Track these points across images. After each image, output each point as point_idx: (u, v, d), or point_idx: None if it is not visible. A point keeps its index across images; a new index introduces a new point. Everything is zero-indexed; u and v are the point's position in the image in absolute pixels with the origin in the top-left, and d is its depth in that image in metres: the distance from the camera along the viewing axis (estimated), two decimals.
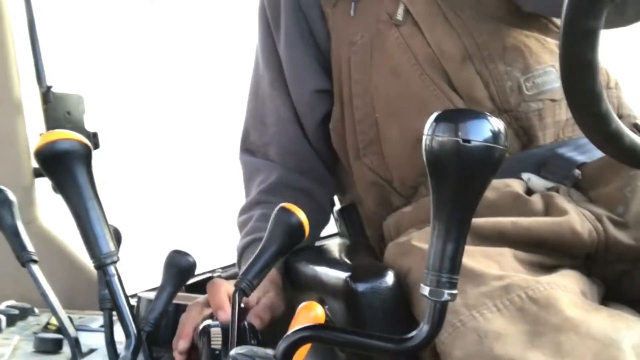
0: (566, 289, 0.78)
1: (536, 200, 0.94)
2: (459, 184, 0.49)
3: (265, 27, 1.23)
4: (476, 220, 0.89)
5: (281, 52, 1.21)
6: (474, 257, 0.83)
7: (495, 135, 0.48)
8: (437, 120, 0.49)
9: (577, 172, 0.97)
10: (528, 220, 0.89)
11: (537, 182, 0.99)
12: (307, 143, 1.22)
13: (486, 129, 0.47)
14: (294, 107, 1.21)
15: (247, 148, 1.27)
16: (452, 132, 0.47)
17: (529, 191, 0.98)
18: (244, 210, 1.22)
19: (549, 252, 0.88)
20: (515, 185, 0.97)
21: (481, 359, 0.72)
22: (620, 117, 1.08)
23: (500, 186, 0.96)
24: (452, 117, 0.48)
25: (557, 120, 1.04)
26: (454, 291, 0.51)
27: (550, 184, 0.98)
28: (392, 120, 1.08)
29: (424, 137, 0.49)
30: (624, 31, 0.88)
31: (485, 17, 1.05)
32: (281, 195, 1.11)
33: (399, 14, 1.07)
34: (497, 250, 0.86)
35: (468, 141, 0.47)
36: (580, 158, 0.99)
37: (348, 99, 1.13)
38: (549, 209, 0.92)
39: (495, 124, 0.48)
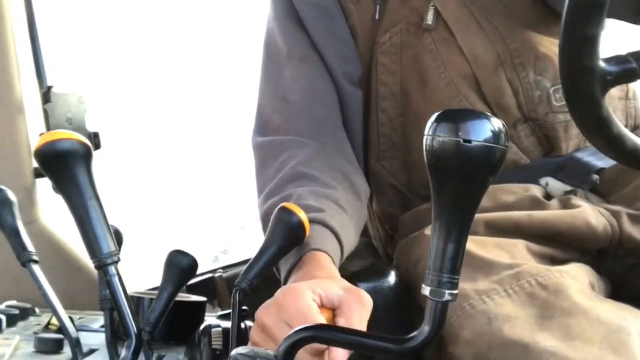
0: (576, 278, 0.79)
1: (554, 204, 0.94)
2: (459, 184, 0.49)
3: (287, 10, 1.11)
4: (492, 214, 0.89)
5: (316, 33, 1.09)
6: (486, 247, 0.84)
7: (496, 135, 0.48)
8: (437, 120, 0.49)
9: (595, 177, 0.98)
10: (543, 213, 0.90)
11: (555, 185, 0.99)
12: (339, 116, 1.07)
13: (487, 129, 0.47)
14: (332, 78, 1.08)
15: (263, 132, 1.07)
16: (452, 132, 0.47)
17: (548, 197, 0.98)
18: (272, 193, 0.94)
19: (563, 245, 0.89)
20: (534, 191, 0.97)
21: (490, 340, 0.72)
22: (635, 127, 1.09)
23: (519, 191, 0.96)
24: (452, 117, 0.48)
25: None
26: (455, 291, 0.51)
27: (568, 187, 0.98)
28: (419, 126, 1.06)
29: (425, 137, 0.49)
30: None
31: (515, 24, 1.02)
32: (321, 172, 0.93)
33: (429, 18, 1.03)
34: (510, 241, 0.87)
35: (469, 141, 0.47)
36: (598, 163, 1.00)
37: (374, 100, 1.09)
38: (565, 207, 0.93)
39: (496, 124, 0.48)
